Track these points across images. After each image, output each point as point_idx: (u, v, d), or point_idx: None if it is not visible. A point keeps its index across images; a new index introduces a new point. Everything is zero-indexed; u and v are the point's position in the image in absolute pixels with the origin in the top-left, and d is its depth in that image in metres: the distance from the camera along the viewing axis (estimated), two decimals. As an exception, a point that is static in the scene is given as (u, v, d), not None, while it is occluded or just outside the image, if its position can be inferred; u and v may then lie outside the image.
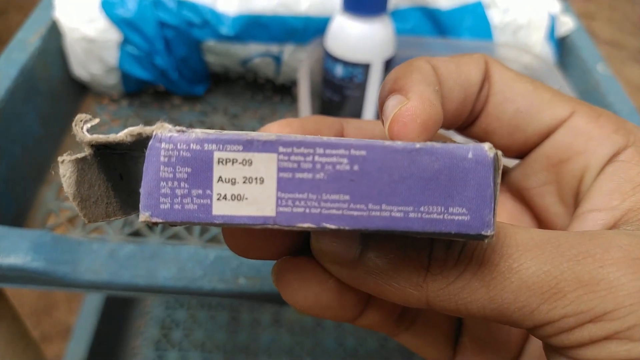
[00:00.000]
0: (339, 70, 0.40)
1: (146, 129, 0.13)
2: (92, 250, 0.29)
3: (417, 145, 0.13)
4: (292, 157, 0.13)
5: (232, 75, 0.51)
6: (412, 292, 0.14)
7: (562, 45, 0.51)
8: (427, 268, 0.14)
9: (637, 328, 0.12)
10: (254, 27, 0.44)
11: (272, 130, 0.18)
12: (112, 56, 0.44)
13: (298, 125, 0.18)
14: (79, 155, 0.14)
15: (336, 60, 0.39)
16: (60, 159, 0.13)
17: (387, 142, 0.13)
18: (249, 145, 0.13)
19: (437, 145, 0.13)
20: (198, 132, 0.13)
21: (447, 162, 0.13)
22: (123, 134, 0.13)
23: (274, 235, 0.17)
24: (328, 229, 0.13)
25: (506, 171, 0.20)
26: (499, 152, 0.13)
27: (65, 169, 0.13)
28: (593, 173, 0.17)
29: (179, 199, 0.13)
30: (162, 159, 0.13)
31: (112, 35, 0.43)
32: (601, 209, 0.16)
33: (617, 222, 0.16)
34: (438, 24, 0.46)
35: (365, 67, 0.39)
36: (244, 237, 0.16)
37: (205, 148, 0.13)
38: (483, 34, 0.46)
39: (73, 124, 0.14)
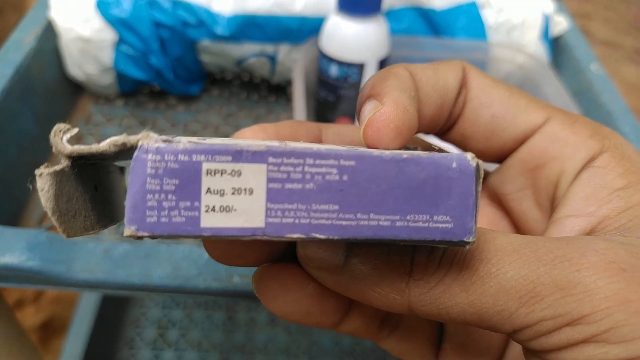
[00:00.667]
0: (333, 70, 0.40)
1: (130, 139, 0.12)
2: (87, 249, 0.30)
3: (405, 156, 0.13)
4: (282, 168, 0.13)
5: (228, 75, 0.51)
6: (395, 297, 0.14)
7: (556, 45, 0.51)
8: (410, 274, 0.14)
9: (613, 331, 0.13)
10: (249, 27, 0.44)
11: (246, 136, 0.18)
12: (108, 56, 0.44)
13: (273, 131, 0.18)
14: (57, 168, 0.13)
15: (331, 60, 0.40)
16: (37, 171, 0.13)
17: (376, 152, 0.13)
18: (238, 156, 0.13)
19: (423, 155, 0.13)
20: (185, 142, 0.13)
21: (432, 172, 0.13)
22: (106, 144, 0.13)
23: (255, 242, 0.16)
24: (317, 239, 0.13)
25: (485, 177, 0.20)
26: (480, 162, 0.13)
27: (43, 182, 0.13)
28: (569, 178, 0.17)
29: (167, 211, 0.13)
30: (148, 170, 0.12)
31: (108, 35, 0.43)
32: (578, 214, 0.16)
33: (593, 229, 0.16)
34: (432, 24, 0.46)
35: (360, 67, 0.39)
36: (225, 244, 0.16)
37: (194, 159, 0.13)
38: (477, 34, 0.46)
39: (52, 135, 0.13)
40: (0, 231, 0.30)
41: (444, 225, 0.13)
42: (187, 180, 0.13)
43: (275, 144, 0.13)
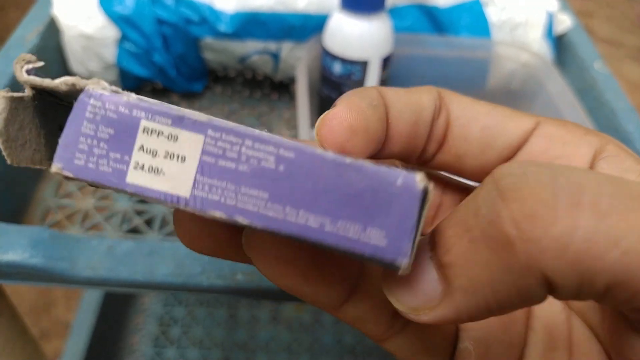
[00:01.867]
0: (337, 68, 0.40)
1: (81, 82, 0.13)
2: (91, 246, 0.30)
3: (347, 160, 0.13)
4: (219, 143, 0.13)
5: (230, 73, 0.51)
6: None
7: (559, 43, 0.51)
8: None
9: None
10: (252, 24, 0.44)
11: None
12: (110, 53, 0.44)
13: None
14: (16, 94, 0.13)
15: (334, 57, 0.39)
16: None
17: (319, 150, 0.13)
18: (178, 121, 0.13)
19: (367, 164, 0.13)
20: (132, 97, 0.13)
21: (373, 183, 0.13)
22: (58, 81, 0.13)
23: (226, 230, 0.16)
24: (239, 223, 0.13)
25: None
26: (431, 186, 0.13)
27: None
28: None
29: (95, 158, 0.13)
30: (87, 114, 0.13)
31: (110, 33, 0.43)
32: None
33: None
34: (436, 22, 0.46)
35: (364, 65, 0.39)
36: (194, 224, 0.16)
37: (134, 114, 0.13)
38: (481, 32, 0.46)
39: (14, 61, 0.13)
40: (3, 228, 0.30)
41: (377, 241, 0.12)
42: (122, 133, 0.13)
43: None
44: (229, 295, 0.30)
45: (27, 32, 0.42)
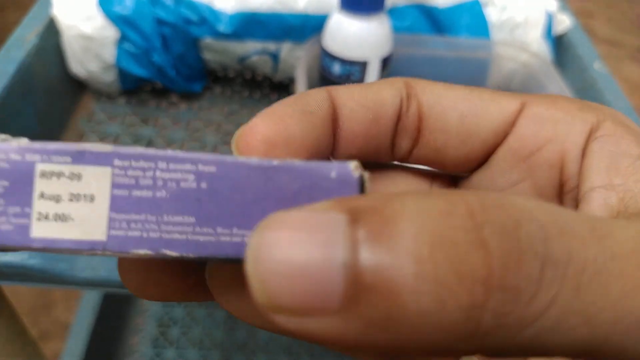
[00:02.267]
0: (336, 68, 0.40)
1: None
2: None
3: (275, 162, 0.12)
4: (129, 172, 0.11)
5: (230, 73, 0.51)
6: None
7: (559, 43, 0.51)
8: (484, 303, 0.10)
9: None
10: (252, 24, 0.44)
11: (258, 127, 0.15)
12: (110, 53, 0.44)
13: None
14: None
15: (334, 57, 0.39)
16: None
17: (241, 158, 0.12)
18: (79, 157, 0.11)
19: (297, 162, 0.12)
20: (23, 141, 0.11)
21: (307, 182, 0.12)
22: None
23: (172, 269, 0.15)
24: (169, 257, 0.12)
25: (464, 178, 0.19)
26: (366, 174, 0.12)
27: None
28: (575, 156, 0.16)
29: None
30: None
31: (110, 33, 0.43)
32: (604, 187, 0.14)
33: (622, 200, 0.14)
34: (435, 22, 0.46)
35: (363, 65, 0.39)
36: (139, 271, 0.14)
37: (27, 159, 0.11)
38: (480, 32, 0.46)
39: None
40: (3, 229, 0.30)
41: None
42: (18, 183, 0.11)
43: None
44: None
45: (27, 32, 0.42)
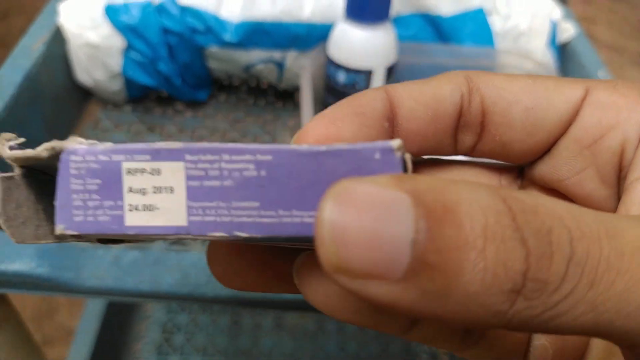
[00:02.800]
0: (341, 77, 0.40)
1: (59, 143, 0.13)
2: (96, 256, 0.30)
3: (323, 148, 0.13)
4: (199, 165, 0.13)
5: (235, 81, 0.51)
6: (493, 316, 0.11)
7: (563, 52, 0.51)
8: (520, 289, 0.11)
9: None
10: (257, 33, 0.44)
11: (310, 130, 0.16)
12: (116, 62, 0.44)
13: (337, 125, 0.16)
14: (6, 175, 0.14)
15: (339, 66, 0.40)
16: None
17: (293, 146, 0.13)
18: (156, 155, 0.13)
19: (343, 146, 0.13)
20: (107, 144, 0.13)
21: (353, 164, 0.13)
22: (39, 149, 0.13)
23: (256, 261, 0.16)
24: (240, 238, 0.13)
25: (529, 167, 0.19)
26: (408, 155, 0.13)
27: None
28: (633, 143, 0.16)
29: (92, 210, 0.13)
30: (71, 171, 0.13)
31: (116, 42, 0.43)
32: None
33: None
34: (440, 31, 0.46)
35: (368, 74, 0.39)
36: (225, 262, 0.16)
37: (113, 159, 0.13)
38: (484, 41, 0.46)
39: None
40: (10, 238, 0.30)
41: None
42: (108, 180, 0.13)
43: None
44: (233, 304, 0.31)
45: (33, 41, 0.42)
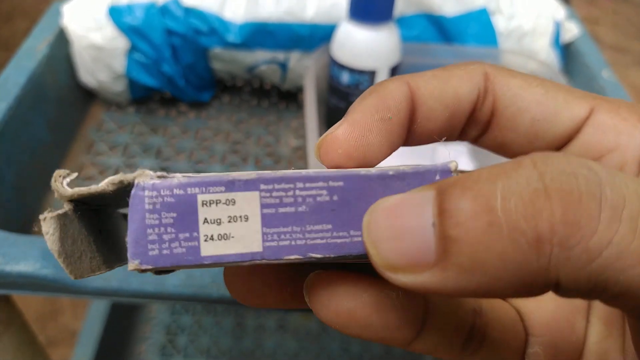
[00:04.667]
0: (345, 77, 0.40)
1: (127, 177, 0.13)
2: (101, 257, 0.30)
3: (390, 173, 0.14)
4: (274, 194, 0.13)
5: (238, 82, 0.51)
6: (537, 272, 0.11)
7: (567, 52, 0.51)
8: (552, 231, 0.11)
9: None
10: (261, 34, 0.44)
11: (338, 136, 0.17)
12: (120, 63, 0.44)
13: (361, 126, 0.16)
14: (60, 211, 0.14)
15: (342, 67, 0.40)
16: (41, 216, 0.13)
17: (363, 172, 0.14)
18: (230, 186, 0.13)
19: (407, 170, 0.14)
20: (180, 177, 0.13)
21: (416, 185, 0.14)
22: (104, 184, 0.13)
23: (272, 281, 0.16)
24: (314, 259, 0.14)
25: None
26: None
27: (48, 226, 0.13)
28: (633, 168, 0.16)
29: (167, 243, 0.13)
30: (146, 206, 0.13)
31: (120, 43, 0.43)
32: None
33: None
34: (443, 31, 0.46)
35: (371, 74, 0.39)
36: (244, 282, 0.16)
37: (189, 192, 0.13)
38: (488, 41, 0.46)
39: (52, 180, 0.14)
40: (15, 239, 0.30)
41: None
42: (184, 213, 0.13)
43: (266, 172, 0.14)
44: (237, 305, 0.30)
45: (37, 42, 0.42)
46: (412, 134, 0.17)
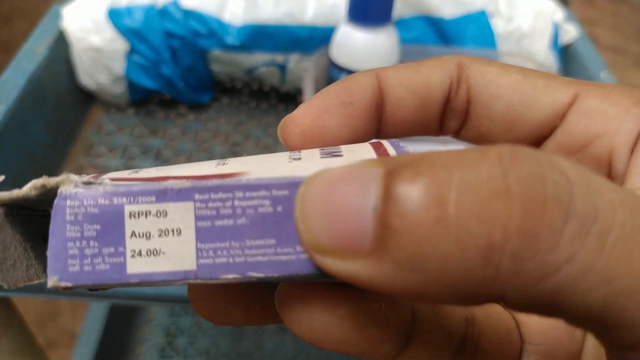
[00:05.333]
0: (344, 80, 0.40)
1: (50, 181, 0.12)
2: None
3: None
4: (210, 204, 0.12)
5: (238, 84, 0.51)
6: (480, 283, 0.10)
7: (565, 54, 0.51)
8: (503, 244, 0.10)
9: None
10: (260, 36, 0.44)
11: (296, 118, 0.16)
12: (119, 65, 0.44)
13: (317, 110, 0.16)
14: None
15: (341, 69, 0.40)
16: None
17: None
18: (162, 196, 0.12)
19: None
20: (107, 185, 0.12)
21: None
22: (27, 188, 0.12)
23: (237, 298, 0.15)
24: (255, 278, 0.12)
25: None
26: None
27: None
28: (623, 154, 0.15)
29: (89, 259, 0.12)
30: (67, 217, 0.12)
31: (119, 45, 0.43)
32: None
33: None
34: (442, 33, 0.46)
35: (370, 76, 0.39)
36: (208, 299, 0.15)
37: (115, 202, 0.12)
38: (487, 43, 0.46)
39: None
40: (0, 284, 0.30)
41: None
42: (109, 225, 0.12)
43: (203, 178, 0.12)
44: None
45: (37, 44, 0.42)
46: (385, 123, 0.16)
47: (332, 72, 0.41)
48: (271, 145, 0.47)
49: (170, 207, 0.12)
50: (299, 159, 0.14)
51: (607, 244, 0.09)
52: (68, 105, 0.45)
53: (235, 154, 0.46)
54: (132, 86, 0.46)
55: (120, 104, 0.48)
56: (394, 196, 0.10)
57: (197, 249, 0.12)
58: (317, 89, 0.42)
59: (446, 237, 0.09)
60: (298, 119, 0.15)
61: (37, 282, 0.14)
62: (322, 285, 0.13)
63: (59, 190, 0.12)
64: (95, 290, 0.13)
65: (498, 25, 0.46)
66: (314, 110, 0.15)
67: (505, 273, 0.09)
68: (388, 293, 0.11)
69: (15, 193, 0.12)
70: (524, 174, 0.10)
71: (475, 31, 0.46)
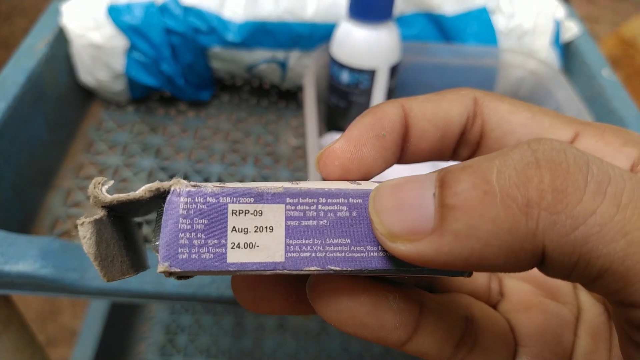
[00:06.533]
0: (344, 76, 0.40)
1: (164, 184, 0.14)
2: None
3: None
4: (298, 207, 0.14)
5: (238, 81, 0.51)
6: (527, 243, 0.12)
7: (567, 51, 0.51)
8: (539, 202, 0.12)
9: None
10: (260, 33, 0.44)
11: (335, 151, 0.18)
12: (119, 62, 0.44)
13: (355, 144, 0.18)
14: (97, 217, 0.14)
15: (342, 66, 0.39)
16: (78, 221, 0.14)
17: None
18: (259, 198, 0.14)
19: None
20: (211, 187, 0.14)
21: None
22: (142, 191, 0.14)
23: (278, 288, 0.17)
24: (332, 271, 0.14)
25: None
26: None
27: (85, 230, 0.14)
28: None
29: (196, 248, 0.14)
30: (180, 211, 0.14)
31: (119, 42, 0.43)
32: (637, 228, 0.15)
33: None
34: (443, 30, 0.46)
35: (371, 73, 0.39)
36: (251, 290, 0.17)
37: (221, 201, 0.14)
38: (488, 40, 0.46)
39: (91, 187, 0.14)
40: (14, 239, 0.30)
41: None
42: (215, 220, 0.14)
43: (290, 185, 0.15)
44: (236, 304, 0.30)
45: (36, 41, 0.42)
46: (406, 152, 0.18)
47: (333, 69, 0.40)
48: (272, 142, 0.46)
49: (266, 207, 0.14)
50: (360, 184, 0.16)
51: (622, 203, 0.12)
52: (68, 102, 0.45)
53: (236, 151, 0.45)
54: (132, 83, 0.45)
55: (120, 101, 0.48)
56: (447, 182, 0.13)
57: (286, 244, 0.14)
58: (318, 85, 0.41)
59: (493, 204, 0.12)
60: (339, 152, 0.17)
61: (128, 276, 0.15)
62: (348, 277, 0.16)
63: (171, 189, 0.14)
64: (186, 278, 0.15)
65: (499, 22, 0.46)
66: (353, 143, 0.17)
67: (543, 224, 0.12)
68: (451, 265, 0.13)
69: (132, 195, 0.14)
70: (548, 149, 0.12)
71: (476, 28, 0.46)
